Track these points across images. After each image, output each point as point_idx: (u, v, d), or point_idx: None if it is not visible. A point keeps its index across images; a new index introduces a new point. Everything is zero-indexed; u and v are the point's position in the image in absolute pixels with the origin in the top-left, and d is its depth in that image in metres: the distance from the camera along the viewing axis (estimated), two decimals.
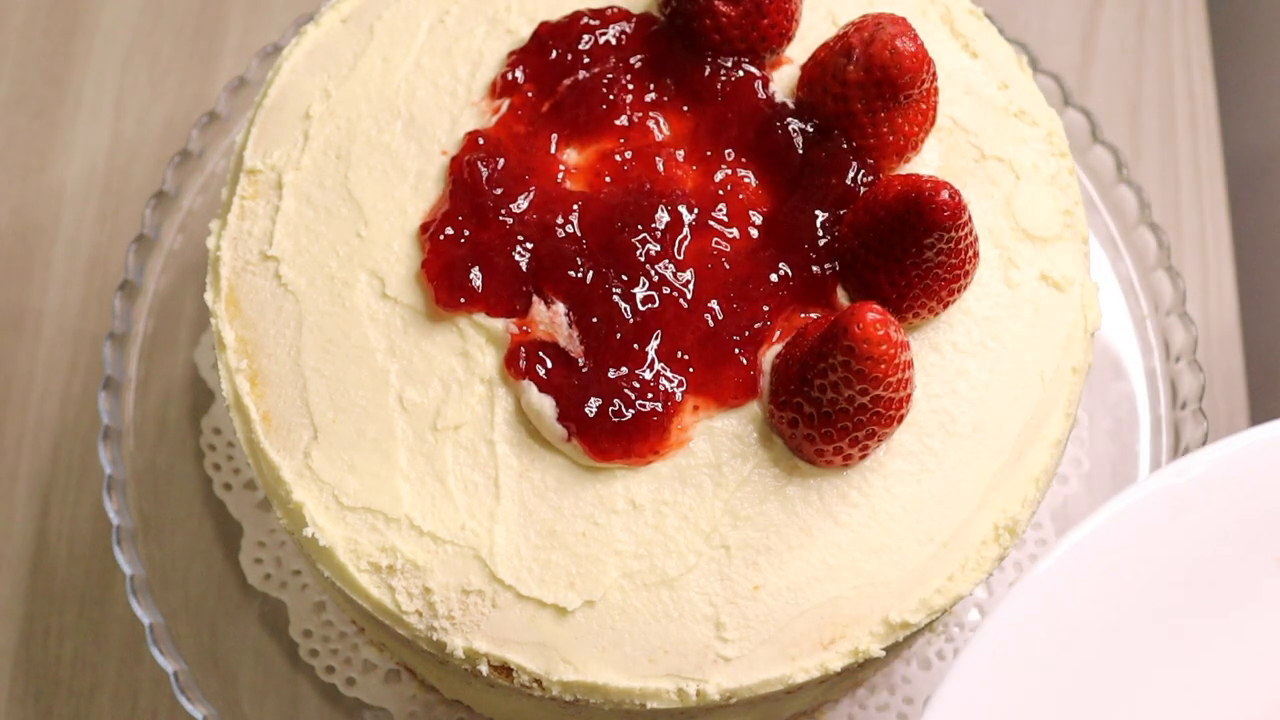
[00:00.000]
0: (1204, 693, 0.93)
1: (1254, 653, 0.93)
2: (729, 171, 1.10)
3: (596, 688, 1.01)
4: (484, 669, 1.01)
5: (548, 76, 1.13)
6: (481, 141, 1.10)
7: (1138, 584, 0.93)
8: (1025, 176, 1.14)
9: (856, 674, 1.14)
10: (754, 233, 1.08)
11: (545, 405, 1.04)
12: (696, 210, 1.08)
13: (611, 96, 1.12)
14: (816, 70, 1.10)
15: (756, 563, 1.02)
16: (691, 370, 1.05)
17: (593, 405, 1.03)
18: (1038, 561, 0.92)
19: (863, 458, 1.04)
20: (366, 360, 1.07)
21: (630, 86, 1.13)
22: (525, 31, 1.16)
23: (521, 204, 1.09)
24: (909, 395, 1.02)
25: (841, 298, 1.07)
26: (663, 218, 1.07)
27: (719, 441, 1.05)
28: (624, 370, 1.04)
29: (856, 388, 0.98)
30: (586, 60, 1.13)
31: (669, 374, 1.04)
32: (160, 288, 1.35)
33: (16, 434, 1.39)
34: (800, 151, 1.10)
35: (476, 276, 1.07)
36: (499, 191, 1.09)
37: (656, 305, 1.06)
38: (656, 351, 1.05)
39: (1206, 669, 0.93)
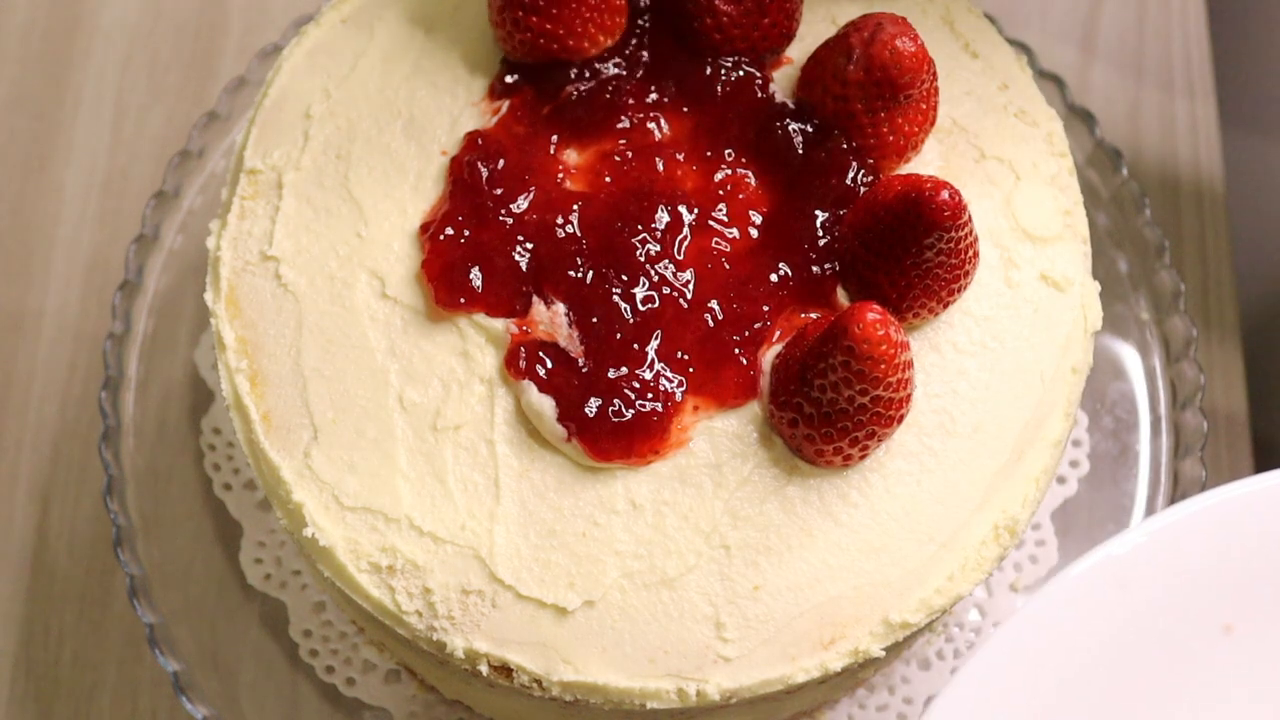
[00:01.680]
0: None
1: None
2: (729, 171, 1.10)
3: (596, 688, 1.01)
4: (484, 669, 1.01)
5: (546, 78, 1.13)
6: (481, 142, 1.10)
7: (1084, 658, 0.92)
8: (1025, 176, 1.14)
9: (856, 674, 1.14)
10: (754, 233, 1.08)
11: (545, 405, 1.04)
12: (696, 210, 1.08)
13: (611, 97, 1.12)
14: (816, 70, 1.10)
15: (756, 563, 1.02)
16: (691, 370, 1.05)
17: (593, 405, 1.03)
18: (980, 647, 0.91)
19: (863, 458, 1.04)
20: (366, 360, 1.07)
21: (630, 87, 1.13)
22: None
23: (521, 204, 1.09)
24: (909, 395, 1.02)
25: (841, 298, 1.07)
26: (663, 218, 1.08)
27: (719, 441, 1.05)
28: (624, 370, 1.04)
29: (856, 388, 0.98)
30: None
31: (669, 374, 1.04)
32: (160, 288, 1.35)
33: (16, 434, 1.39)
34: (800, 151, 1.10)
35: (476, 277, 1.07)
36: (499, 191, 1.09)
37: (656, 305, 1.06)
38: (656, 351, 1.05)
39: None
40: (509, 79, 1.13)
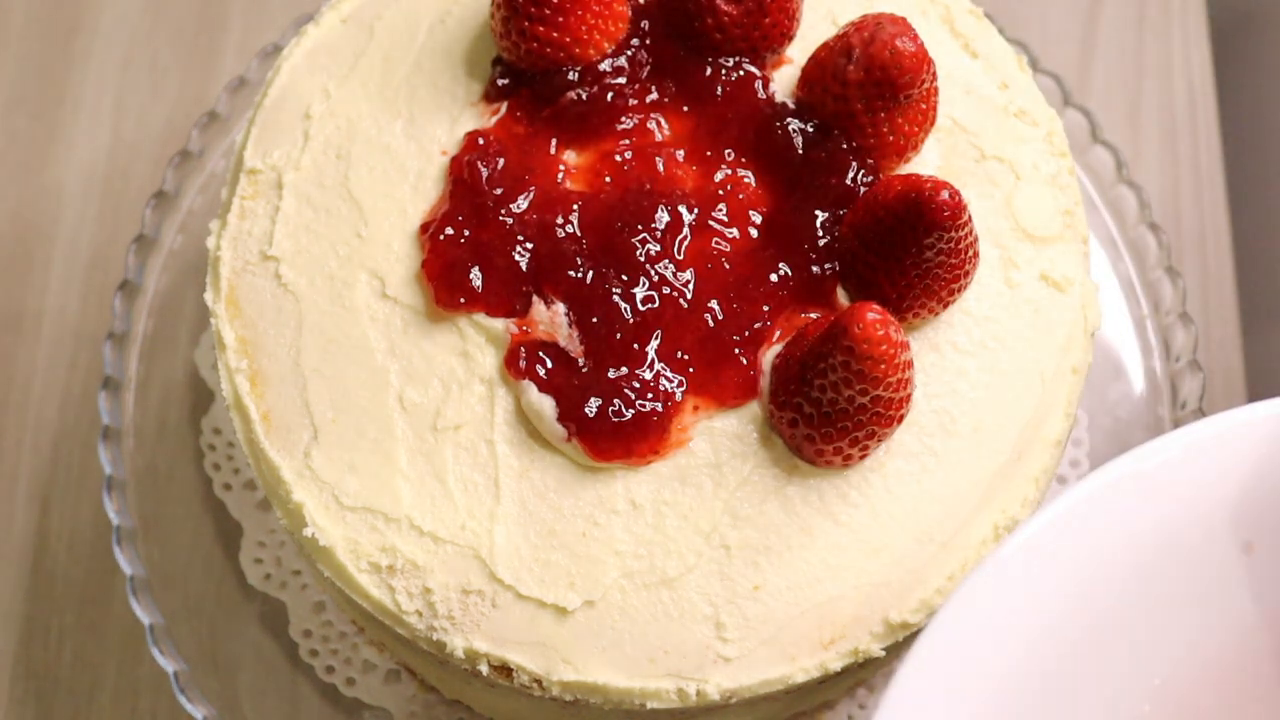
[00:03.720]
0: (1169, 680, 0.93)
1: (1219, 641, 0.93)
2: (729, 171, 1.10)
3: (596, 688, 1.01)
4: (484, 669, 1.01)
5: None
6: (481, 141, 1.10)
7: (1102, 572, 0.92)
8: (1025, 176, 1.14)
9: (856, 674, 1.14)
10: (754, 233, 1.08)
11: (545, 405, 1.04)
12: (696, 210, 1.08)
13: (612, 99, 1.12)
14: (816, 70, 1.10)
15: (756, 563, 1.02)
16: (691, 370, 1.05)
17: (593, 405, 1.03)
18: (998, 546, 0.91)
19: (863, 458, 1.04)
20: (366, 360, 1.07)
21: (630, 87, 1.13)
22: None
23: (521, 204, 1.09)
24: (909, 395, 1.02)
25: (841, 298, 1.07)
26: (663, 218, 1.08)
27: (719, 441, 1.05)
28: (624, 370, 1.04)
29: (856, 388, 0.98)
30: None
31: (669, 374, 1.04)
32: (160, 288, 1.35)
33: (16, 434, 1.39)
34: (800, 151, 1.10)
35: (476, 276, 1.07)
36: (499, 191, 1.09)
37: (656, 305, 1.06)
38: (656, 351, 1.05)
39: (1171, 657, 0.93)
40: (501, 82, 1.13)
